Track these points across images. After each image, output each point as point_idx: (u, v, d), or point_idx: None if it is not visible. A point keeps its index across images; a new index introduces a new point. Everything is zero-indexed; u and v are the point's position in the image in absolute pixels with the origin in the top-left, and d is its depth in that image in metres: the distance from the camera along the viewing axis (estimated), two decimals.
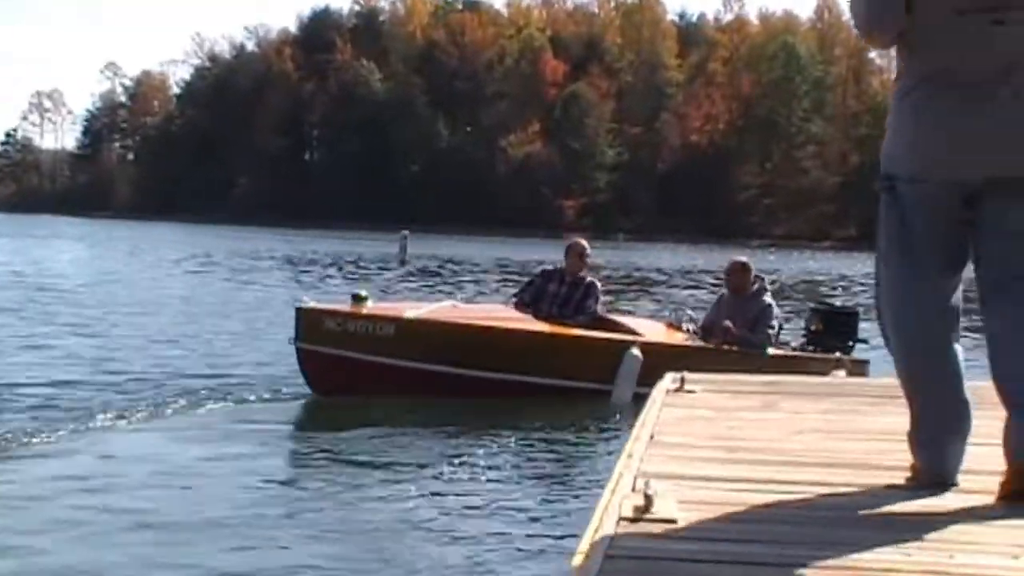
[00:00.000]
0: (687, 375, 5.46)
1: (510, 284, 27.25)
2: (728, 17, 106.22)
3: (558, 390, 10.31)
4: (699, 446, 3.93)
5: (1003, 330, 3.35)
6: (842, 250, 68.21)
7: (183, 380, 10.83)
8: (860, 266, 40.09)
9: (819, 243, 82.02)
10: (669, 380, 5.51)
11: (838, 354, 11.07)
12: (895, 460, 3.53)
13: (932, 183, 3.39)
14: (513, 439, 8.59)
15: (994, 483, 3.24)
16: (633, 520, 2.81)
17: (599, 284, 11.44)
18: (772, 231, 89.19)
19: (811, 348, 11.47)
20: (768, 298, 11.09)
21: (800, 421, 4.61)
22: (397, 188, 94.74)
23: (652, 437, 4.04)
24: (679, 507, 2.91)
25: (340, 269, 32.33)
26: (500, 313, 11.18)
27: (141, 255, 36.38)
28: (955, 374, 3.37)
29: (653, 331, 11.21)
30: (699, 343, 10.86)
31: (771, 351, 10.86)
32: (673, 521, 2.81)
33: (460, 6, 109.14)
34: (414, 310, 10.69)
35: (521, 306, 11.13)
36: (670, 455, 3.72)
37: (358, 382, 10.05)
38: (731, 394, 5.30)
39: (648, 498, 2.88)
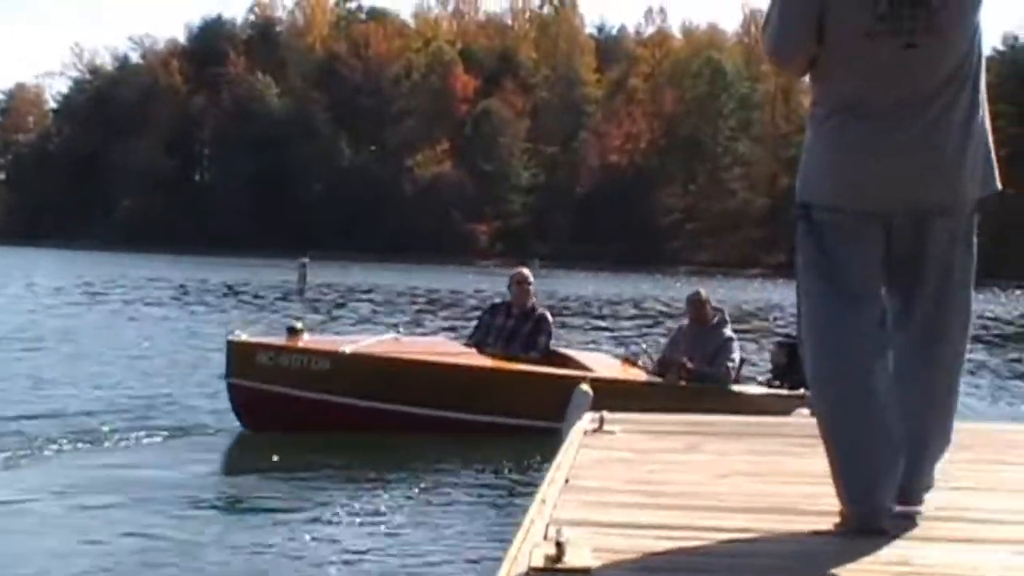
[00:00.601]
0: (606, 415, 5.49)
1: (426, 315, 27.28)
2: (650, 30, 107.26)
3: (503, 428, 10.38)
4: (617, 490, 3.95)
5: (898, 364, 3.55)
6: (772, 277, 69.10)
7: (83, 419, 10.68)
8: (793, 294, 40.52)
9: (747, 270, 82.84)
10: (587, 420, 5.54)
11: (803, 390, 11.21)
12: (824, 505, 3.57)
13: (848, 212, 3.51)
14: (434, 480, 8.64)
15: (940, 528, 3.30)
16: (543, 570, 2.81)
17: (550, 316, 11.54)
18: (697, 257, 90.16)
19: (777, 383, 11.59)
20: (729, 331, 11.30)
21: (725, 463, 4.65)
22: (295, 211, 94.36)
23: (567, 481, 4.05)
24: (594, 556, 2.91)
25: (236, 299, 32.01)
26: (443, 347, 11.38)
27: (13, 284, 35.69)
28: (880, 409, 3.41)
29: (606, 367, 11.34)
30: (654, 379, 10.99)
31: (733, 387, 11.02)
32: (587, 571, 2.82)
33: (363, 16, 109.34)
34: (352, 343, 10.76)
35: (471, 345, 11.31)
36: (586, 500, 3.74)
37: (293, 419, 10.11)
38: (653, 435, 5.34)
39: (560, 546, 2.88)
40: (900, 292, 3.60)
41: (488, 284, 50.58)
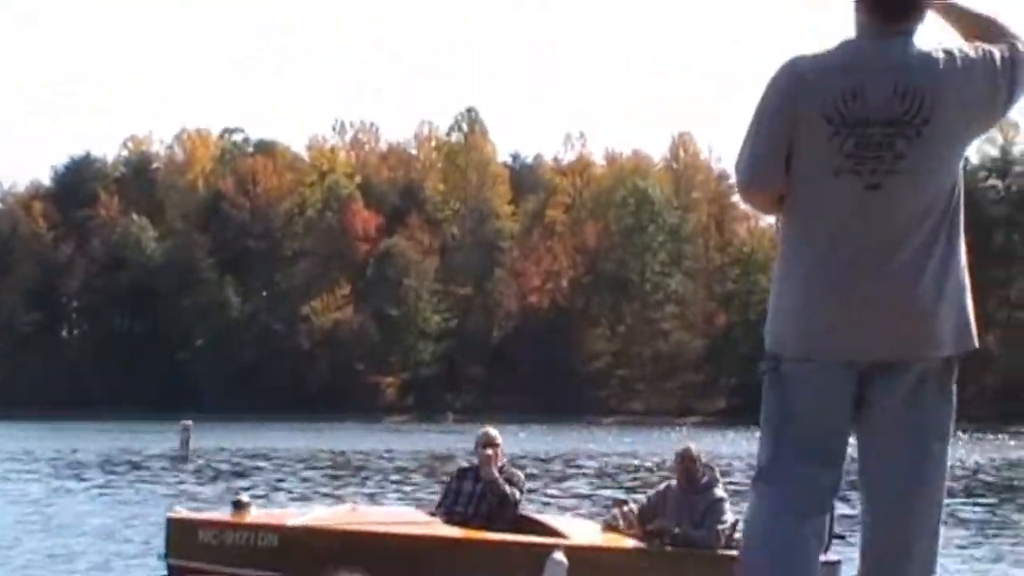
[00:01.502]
0: None
1: (337, 482, 26.98)
2: (569, 157, 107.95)
3: None
4: None
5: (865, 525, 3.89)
6: (712, 426, 69.31)
7: None
8: (745, 444, 40.47)
9: (684, 419, 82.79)
10: None
11: None
12: None
13: (818, 363, 3.76)
14: None
15: None
16: None
17: (522, 477, 11.65)
18: (627, 406, 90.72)
19: None
20: (720, 491, 11.30)
21: None
22: (176, 369, 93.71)
23: None
24: None
25: (113, 471, 31.49)
26: (404, 516, 11.59)
27: None
28: None
29: (583, 532, 11.39)
30: (637, 544, 11.00)
31: (725, 551, 10.91)
32: None
33: (251, 149, 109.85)
34: (301, 516, 10.90)
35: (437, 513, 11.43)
36: None
37: None
38: None
39: None
40: (872, 443, 3.83)
41: (399, 443, 50.39)
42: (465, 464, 12.16)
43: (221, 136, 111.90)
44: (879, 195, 3.80)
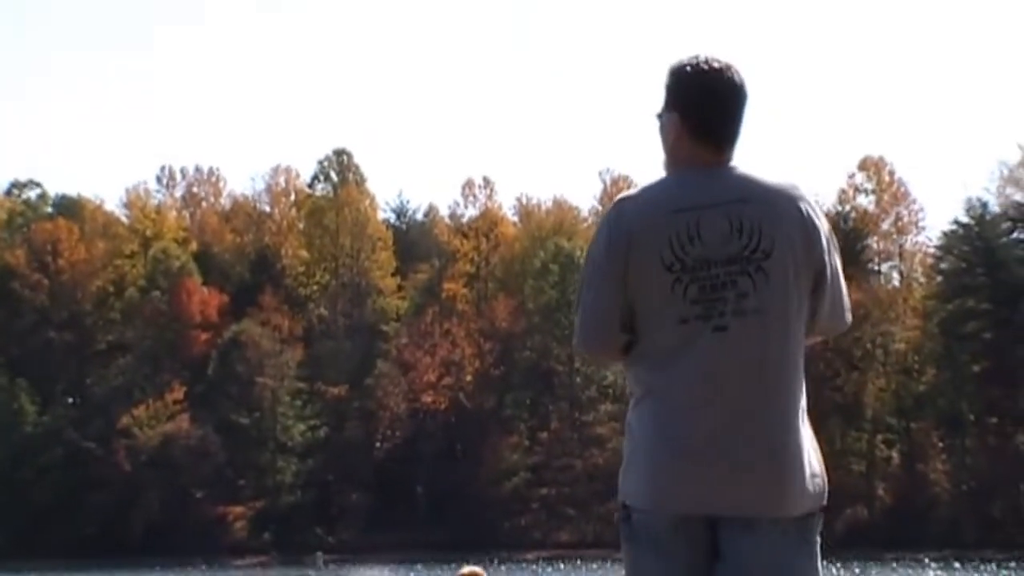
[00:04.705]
0: None
1: None
2: (471, 212, 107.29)
3: None
4: None
5: None
6: None
7: None
8: None
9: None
10: None
11: None
12: None
13: (667, 517, 4.93)
14: None
15: None
16: None
17: None
18: (554, 537, 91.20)
19: None
20: None
21: None
22: None
23: None
24: None
25: None
26: None
27: None
28: None
29: None
30: None
31: None
32: None
33: (50, 210, 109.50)
34: None
35: None
36: None
37: None
38: None
39: None
40: None
41: None
42: None
43: (9, 193, 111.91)
44: (727, 338, 4.89)
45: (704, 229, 4.93)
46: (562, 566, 74.08)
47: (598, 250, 5.04)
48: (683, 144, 5.09)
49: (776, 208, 5.01)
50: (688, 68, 5.09)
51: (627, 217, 5.01)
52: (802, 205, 5.04)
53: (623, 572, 5.07)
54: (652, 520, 4.92)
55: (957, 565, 63.02)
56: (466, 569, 13.92)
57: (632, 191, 5.14)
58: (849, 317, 5.20)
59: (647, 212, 5.00)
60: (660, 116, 5.17)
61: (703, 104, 5.05)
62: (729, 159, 5.10)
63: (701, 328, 4.89)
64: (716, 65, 5.08)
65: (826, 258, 5.06)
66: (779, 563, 4.90)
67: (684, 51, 5.03)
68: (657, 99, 5.11)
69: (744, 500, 4.87)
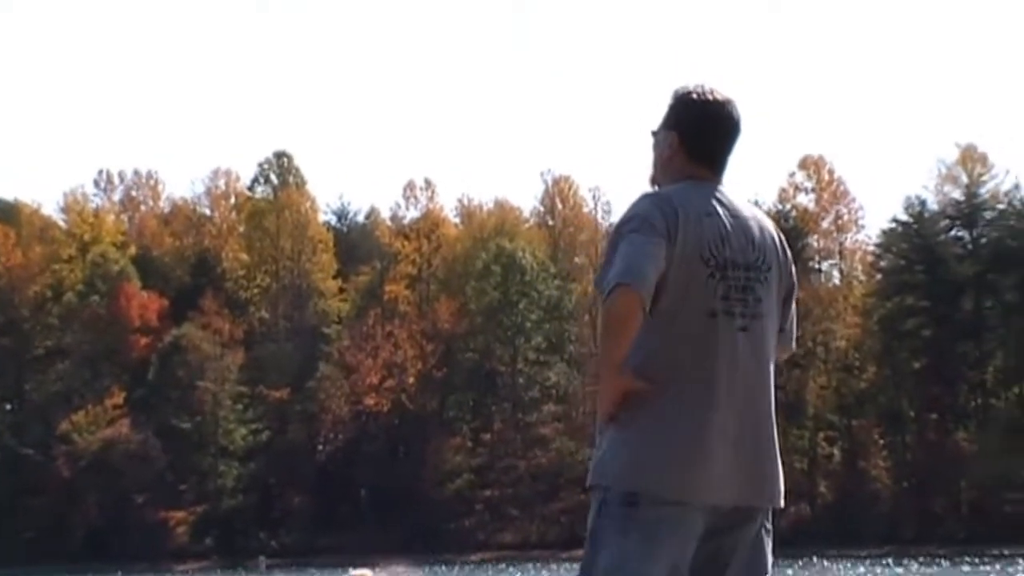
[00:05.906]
0: None
1: None
2: (413, 214, 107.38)
3: None
4: None
5: None
6: None
7: None
8: None
9: (573, 551, 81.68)
10: None
11: None
12: None
13: (694, 507, 5.17)
14: None
15: None
16: None
17: None
18: (497, 538, 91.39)
19: None
20: None
21: None
22: None
23: None
24: None
25: None
26: None
27: None
28: None
29: None
30: None
31: None
32: None
33: None
34: None
35: None
36: None
37: None
38: None
39: None
40: None
41: None
42: None
43: None
44: (747, 338, 5.29)
45: (731, 235, 5.37)
46: (506, 567, 73.99)
47: (648, 212, 5.34)
48: (676, 162, 5.51)
49: (767, 230, 5.54)
50: (695, 96, 5.54)
51: (674, 202, 5.36)
52: (776, 231, 5.61)
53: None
54: (673, 510, 5.18)
55: (888, 562, 63.69)
56: (355, 572, 14.01)
57: (650, 191, 5.56)
58: (795, 345, 5.78)
59: (686, 206, 5.37)
60: (656, 133, 5.61)
61: (704, 130, 5.52)
62: (720, 182, 5.56)
63: (727, 325, 5.29)
64: (719, 97, 5.56)
65: (794, 279, 5.64)
66: (766, 551, 5.43)
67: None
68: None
69: (765, 492, 5.35)
